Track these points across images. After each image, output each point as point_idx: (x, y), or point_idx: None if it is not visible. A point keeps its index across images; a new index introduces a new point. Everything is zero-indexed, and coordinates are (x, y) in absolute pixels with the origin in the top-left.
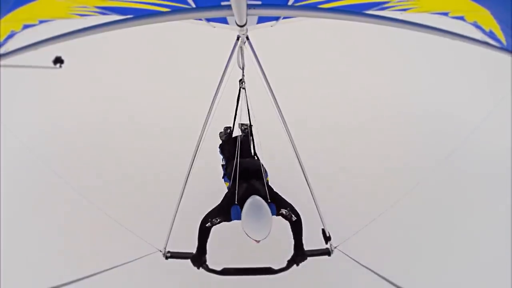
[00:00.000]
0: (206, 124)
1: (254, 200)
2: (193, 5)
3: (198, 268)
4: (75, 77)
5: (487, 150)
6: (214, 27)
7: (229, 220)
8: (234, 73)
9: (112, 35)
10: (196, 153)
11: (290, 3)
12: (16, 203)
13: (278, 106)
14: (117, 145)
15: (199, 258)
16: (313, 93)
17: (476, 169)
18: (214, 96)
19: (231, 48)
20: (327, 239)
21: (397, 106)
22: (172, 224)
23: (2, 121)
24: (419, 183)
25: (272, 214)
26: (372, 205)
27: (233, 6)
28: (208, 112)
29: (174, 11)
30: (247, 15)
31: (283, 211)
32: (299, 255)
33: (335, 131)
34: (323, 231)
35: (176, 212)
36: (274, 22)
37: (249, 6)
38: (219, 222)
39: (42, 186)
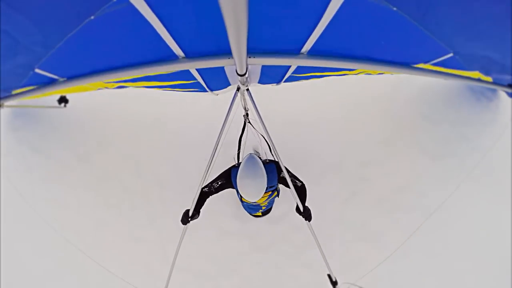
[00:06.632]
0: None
1: (250, 157)
2: (202, 82)
3: (184, 223)
4: None
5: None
6: (217, 94)
7: (230, 182)
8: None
9: None
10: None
11: (288, 74)
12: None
13: (274, 146)
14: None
15: (187, 215)
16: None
17: (475, 168)
18: (218, 139)
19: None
20: (333, 284)
21: (397, 107)
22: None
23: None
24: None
25: (272, 174)
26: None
27: (233, 53)
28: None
29: (177, 60)
30: (247, 64)
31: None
32: (305, 211)
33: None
34: (329, 276)
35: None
36: (275, 84)
37: (250, 55)
38: (219, 186)
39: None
